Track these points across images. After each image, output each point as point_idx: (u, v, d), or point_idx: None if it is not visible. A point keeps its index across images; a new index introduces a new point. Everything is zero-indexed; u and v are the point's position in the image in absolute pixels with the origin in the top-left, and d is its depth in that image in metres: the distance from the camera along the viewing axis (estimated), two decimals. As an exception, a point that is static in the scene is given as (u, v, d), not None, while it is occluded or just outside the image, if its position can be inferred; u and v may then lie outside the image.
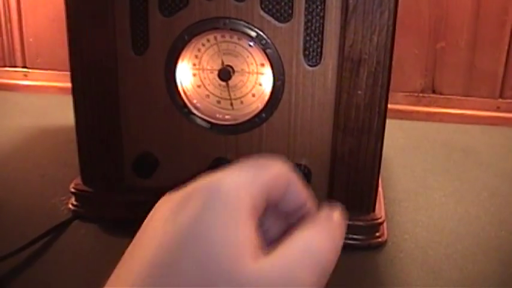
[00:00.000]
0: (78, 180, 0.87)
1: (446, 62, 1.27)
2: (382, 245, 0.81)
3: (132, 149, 0.83)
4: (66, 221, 0.85)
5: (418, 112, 1.29)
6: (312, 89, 0.75)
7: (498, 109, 1.29)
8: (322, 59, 0.73)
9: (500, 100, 1.29)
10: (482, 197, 0.95)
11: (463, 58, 1.27)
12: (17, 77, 1.42)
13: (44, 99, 1.33)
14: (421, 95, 1.30)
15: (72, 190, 0.86)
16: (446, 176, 1.02)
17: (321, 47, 0.73)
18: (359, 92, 0.73)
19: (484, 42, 1.24)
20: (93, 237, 0.82)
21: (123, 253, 0.33)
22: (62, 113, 1.22)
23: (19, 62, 1.42)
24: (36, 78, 1.41)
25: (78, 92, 0.81)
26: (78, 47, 0.78)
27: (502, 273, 0.76)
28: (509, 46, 1.25)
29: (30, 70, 1.41)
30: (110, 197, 0.85)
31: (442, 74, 1.28)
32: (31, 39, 1.39)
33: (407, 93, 1.30)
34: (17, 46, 1.41)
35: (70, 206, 0.87)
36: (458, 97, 1.29)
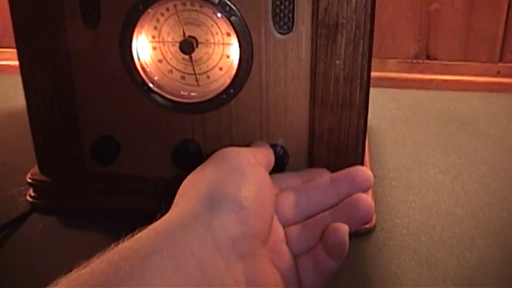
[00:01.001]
0: (35, 169, 0.79)
1: (441, 24, 1.18)
2: (369, 231, 0.73)
3: (90, 133, 0.75)
4: (22, 215, 0.77)
5: (411, 80, 1.20)
6: (285, 59, 0.66)
7: (498, 74, 1.20)
8: (294, 26, 0.64)
9: (500, 64, 1.20)
10: (481, 172, 0.87)
11: (459, 20, 1.17)
12: (-17, 56, 1.34)
13: (12, 80, 1.24)
14: (414, 61, 1.21)
15: (29, 180, 0.78)
16: (442, 149, 0.94)
17: (293, 12, 0.64)
18: (337, 61, 0.64)
19: (481, 1, 1.15)
20: (52, 231, 0.75)
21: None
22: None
23: (-15, 40, 1.34)
24: (4, 58, 1.33)
25: (26, 72, 0.72)
26: (21, 20, 0.69)
27: (502, 261, 0.68)
28: (509, 5, 1.16)
29: (-4, 49, 1.34)
30: (69, 186, 0.77)
31: (437, 38, 1.19)
32: (-3, 16, 1.31)
33: (400, 60, 1.21)
34: (-17, 24, 1.33)
35: (28, 197, 0.79)
36: (455, 62, 1.20)
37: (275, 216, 0.54)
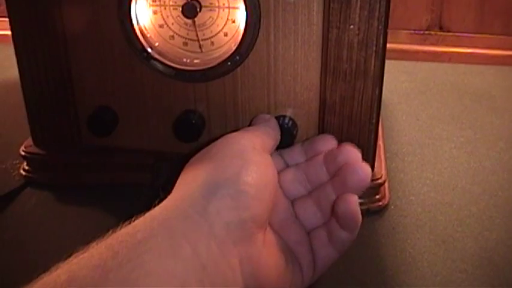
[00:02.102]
0: (29, 141, 0.75)
1: (455, -5, 1.14)
2: (383, 209, 0.69)
3: (86, 103, 0.70)
4: (15, 189, 0.74)
5: (423, 52, 1.16)
6: (294, 24, 0.61)
7: (513, 47, 1.16)
8: (306, -13, 0.60)
9: (515, 37, 1.15)
10: (498, 148, 0.82)
11: (473, -10, 1.13)
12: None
13: (8, 50, 1.20)
14: (427, 32, 1.16)
15: (23, 153, 0.75)
16: (457, 124, 0.89)
17: (304, -28, 0.59)
18: (351, 26, 0.59)
19: (498, -29, 1.11)
20: (45, 206, 0.71)
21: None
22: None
23: (-19, 9, 1.29)
24: (0, 27, 1.28)
25: (19, 40, 0.68)
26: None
27: (525, 241, 0.64)
28: (526, -24, 1.11)
29: (-10, 18, 1.29)
30: (64, 159, 0.73)
31: (450, 9, 1.14)
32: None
33: (412, 31, 1.16)
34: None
35: (21, 171, 0.76)
36: (469, 34, 1.15)
37: (281, 192, 0.55)
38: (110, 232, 0.41)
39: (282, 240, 0.52)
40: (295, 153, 0.59)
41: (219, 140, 0.51)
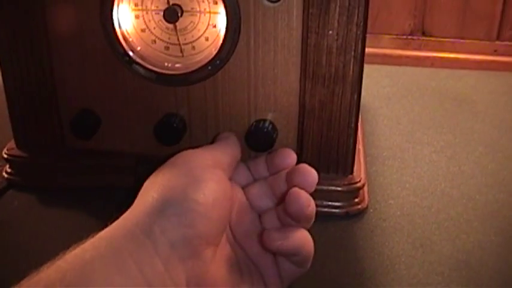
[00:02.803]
0: (12, 144, 0.75)
1: (438, 0, 1.15)
2: (362, 212, 0.69)
3: (69, 106, 0.71)
4: (-2, 191, 0.74)
5: (406, 56, 1.17)
6: (274, 29, 0.62)
7: (495, 52, 1.17)
8: (285, -7, 0.60)
9: (497, 42, 1.17)
10: (478, 152, 0.83)
11: (456, -4, 1.14)
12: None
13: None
14: (409, 37, 1.18)
15: (5, 156, 0.75)
16: (437, 128, 0.90)
17: (283, -22, 0.60)
18: (330, 31, 0.60)
19: (480, -23, 1.12)
20: (27, 209, 0.71)
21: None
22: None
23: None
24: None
25: (2, 43, 0.68)
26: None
27: (500, 244, 0.65)
28: (507, -18, 1.13)
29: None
30: (47, 162, 0.74)
31: (433, 14, 1.16)
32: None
33: (395, 36, 1.18)
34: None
35: (4, 173, 0.76)
36: (451, 39, 1.17)
37: (248, 205, 0.56)
38: (60, 254, 0.42)
39: (241, 253, 0.53)
40: (260, 167, 0.59)
41: (172, 158, 0.52)
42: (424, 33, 1.17)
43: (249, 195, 0.56)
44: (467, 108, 0.97)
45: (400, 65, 1.15)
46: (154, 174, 0.51)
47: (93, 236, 0.44)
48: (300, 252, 0.50)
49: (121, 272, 0.40)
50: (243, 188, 0.57)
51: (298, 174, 0.53)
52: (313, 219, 0.52)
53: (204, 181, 0.48)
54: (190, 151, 0.53)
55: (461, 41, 1.16)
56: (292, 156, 0.57)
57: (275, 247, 0.49)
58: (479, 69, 1.14)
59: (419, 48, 1.18)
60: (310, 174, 0.53)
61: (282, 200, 0.54)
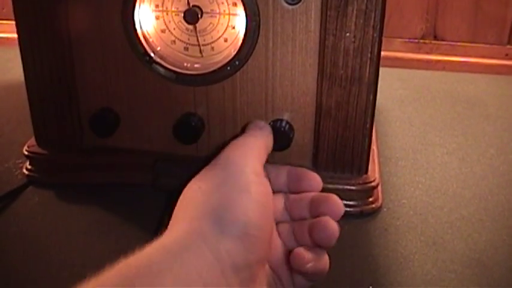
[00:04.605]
0: (32, 141, 0.77)
1: (450, 4, 1.15)
2: (376, 211, 0.71)
3: (89, 104, 0.72)
4: (18, 188, 0.75)
5: (418, 60, 1.18)
6: (293, 31, 0.63)
7: (506, 56, 1.17)
8: (304, -4, 0.62)
9: (508, 47, 1.17)
10: (489, 154, 0.85)
11: (467, 0, 1.15)
12: (-18, 28, 1.32)
13: (11, 52, 1.22)
14: (421, 41, 1.18)
15: (26, 153, 0.76)
16: (449, 131, 0.91)
17: (302, -19, 0.61)
18: (347, 34, 0.62)
19: (492, -18, 1.13)
20: (47, 205, 0.72)
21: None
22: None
23: (-16, 12, 1.31)
24: (3, 30, 1.30)
25: (24, 42, 0.70)
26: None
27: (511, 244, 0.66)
28: (519, -13, 1.13)
29: (-5, 21, 1.31)
30: (67, 159, 0.75)
31: (445, 18, 1.16)
32: (-5, -13, 1.28)
33: (407, 40, 1.18)
34: (-19, -4, 1.30)
35: (24, 170, 0.77)
36: (463, 43, 1.17)
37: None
38: (121, 260, 0.41)
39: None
40: (280, 179, 0.57)
41: (222, 162, 0.51)
42: (435, 37, 1.18)
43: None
44: (479, 111, 0.98)
45: (412, 68, 1.16)
46: (201, 179, 0.50)
47: (152, 242, 0.43)
48: (322, 273, 0.51)
49: (188, 285, 0.40)
50: None
51: (327, 204, 0.53)
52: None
53: (261, 199, 0.47)
54: (239, 156, 0.52)
55: (473, 45, 1.17)
56: (318, 182, 0.56)
57: (305, 269, 0.49)
58: (490, 73, 1.15)
59: (430, 52, 1.19)
60: (339, 206, 0.53)
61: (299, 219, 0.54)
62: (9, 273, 0.62)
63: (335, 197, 0.53)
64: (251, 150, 0.53)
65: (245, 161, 0.51)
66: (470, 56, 1.17)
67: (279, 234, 0.54)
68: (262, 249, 0.47)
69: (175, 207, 0.49)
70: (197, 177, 0.50)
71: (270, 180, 0.55)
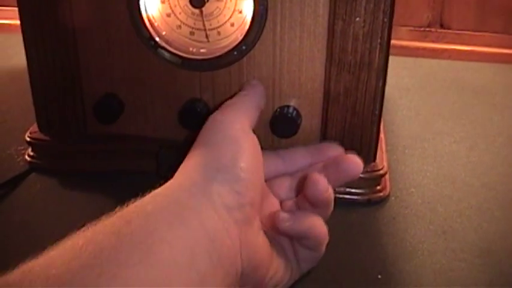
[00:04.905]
0: (34, 127, 0.76)
1: (456, -8, 1.14)
2: (384, 200, 0.70)
3: (92, 90, 0.71)
4: (20, 175, 0.74)
5: (424, 48, 1.17)
6: (301, 15, 0.62)
7: (513, 45, 1.16)
8: (313, -21, 0.61)
9: (515, 36, 1.16)
10: (497, 143, 0.84)
11: (474, -11, 1.14)
12: (-17, 14, 1.31)
13: (13, 38, 1.21)
14: (427, 29, 1.17)
15: (28, 139, 0.75)
16: (457, 119, 0.90)
17: (311, -36, 0.60)
18: (357, 19, 0.60)
19: (499, -31, 1.12)
20: (50, 192, 0.72)
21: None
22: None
23: (-15, -2, 1.30)
24: (5, 16, 1.29)
25: (27, 27, 0.69)
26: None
27: (523, 232, 0.65)
28: (526, -25, 1.12)
29: (-2, 7, 1.30)
30: (69, 146, 0.74)
31: (452, 7, 1.15)
32: (-3, -27, 1.27)
33: (413, 28, 1.17)
34: (-17, -19, 1.29)
35: (26, 157, 0.76)
36: (469, 32, 1.16)
37: (271, 193, 0.57)
38: (118, 208, 0.43)
39: (269, 233, 0.53)
40: (298, 156, 0.60)
41: (211, 123, 0.53)
42: (442, 26, 1.17)
43: (276, 186, 0.58)
44: (485, 100, 0.97)
45: (418, 56, 1.15)
46: (195, 145, 0.52)
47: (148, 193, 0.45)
48: (308, 235, 0.51)
49: (183, 223, 0.42)
50: (271, 179, 0.59)
51: (346, 160, 0.55)
52: (330, 207, 0.53)
53: (248, 149, 0.49)
54: (226, 116, 0.53)
55: (479, 33, 1.16)
56: (339, 150, 0.60)
57: (283, 228, 0.50)
58: (497, 62, 1.14)
59: (437, 41, 1.17)
60: (357, 162, 0.55)
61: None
62: (10, 261, 0.60)
63: (353, 156, 0.56)
64: (238, 109, 0.55)
65: (232, 119, 0.52)
66: (476, 44, 1.16)
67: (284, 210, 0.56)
68: (254, 193, 0.48)
69: None
70: (195, 141, 0.52)
71: (285, 161, 0.60)
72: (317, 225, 0.52)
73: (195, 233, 0.42)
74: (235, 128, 0.51)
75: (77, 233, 0.41)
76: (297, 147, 0.62)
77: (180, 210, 0.43)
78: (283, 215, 0.50)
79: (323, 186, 0.50)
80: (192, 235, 0.41)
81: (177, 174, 0.49)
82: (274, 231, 0.52)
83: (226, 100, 0.66)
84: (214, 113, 0.54)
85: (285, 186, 0.58)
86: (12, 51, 1.15)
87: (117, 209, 0.43)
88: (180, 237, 0.41)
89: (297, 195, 0.57)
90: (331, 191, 0.52)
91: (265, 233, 0.52)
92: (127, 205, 0.44)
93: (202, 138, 0.52)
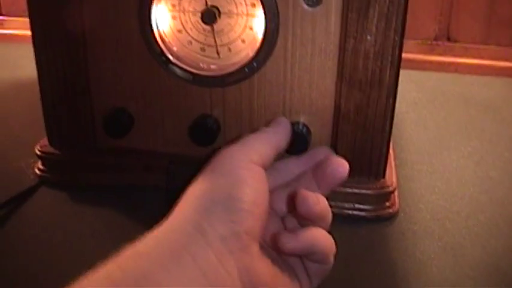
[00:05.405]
0: (44, 141, 0.76)
1: (463, 6, 1.15)
2: (393, 216, 0.70)
3: (103, 105, 0.72)
4: (30, 188, 0.75)
5: (431, 62, 1.17)
6: (312, 33, 0.63)
7: (519, 59, 1.17)
8: (324, -3, 0.61)
9: (522, 49, 1.17)
10: (504, 158, 0.84)
11: (481, 2, 1.14)
12: (-9, 25, 1.32)
13: (21, 49, 1.22)
14: (434, 42, 1.18)
15: (38, 153, 0.76)
16: (464, 134, 0.91)
17: (323, -17, 0.61)
18: (368, 37, 0.61)
19: (505, -16, 1.12)
20: (60, 205, 0.72)
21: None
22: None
23: (-6, 9, 1.31)
24: (13, 27, 1.29)
25: (38, 42, 0.70)
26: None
27: (532, 250, 0.65)
28: (533, -11, 1.13)
29: (6, 18, 1.30)
30: (79, 160, 0.75)
31: (458, 20, 1.16)
32: (5, -16, 1.28)
33: (420, 41, 1.18)
34: (-9, -8, 1.30)
35: (36, 170, 0.77)
36: (476, 45, 1.17)
37: (272, 211, 0.56)
38: (114, 254, 0.44)
39: (274, 252, 0.53)
40: (292, 166, 0.60)
41: (217, 155, 0.52)
42: (449, 39, 1.17)
43: (274, 202, 0.57)
44: (493, 115, 0.98)
45: (425, 69, 1.15)
46: (195, 179, 0.52)
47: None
48: (314, 250, 0.51)
49: (177, 262, 0.42)
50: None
51: (330, 164, 0.55)
52: (328, 217, 0.53)
53: (245, 180, 0.49)
54: (226, 150, 0.53)
55: (486, 47, 1.17)
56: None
57: (287, 249, 0.50)
58: (504, 76, 1.14)
59: (444, 54, 1.18)
60: (342, 164, 0.55)
61: None
62: (19, 274, 0.61)
63: (336, 157, 0.56)
64: (247, 145, 0.54)
65: (237, 153, 0.52)
66: (483, 58, 1.17)
67: (287, 226, 0.56)
68: (251, 221, 0.47)
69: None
70: (196, 177, 0.52)
71: (280, 172, 0.59)
72: (321, 238, 0.51)
73: (188, 272, 0.43)
74: (238, 160, 0.51)
75: (74, 284, 0.42)
76: (287, 158, 0.61)
77: (173, 249, 0.43)
78: (285, 237, 0.50)
79: (312, 201, 0.50)
80: (186, 274, 0.42)
81: (175, 208, 0.49)
82: (280, 253, 0.52)
83: (236, 116, 0.67)
84: (223, 147, 0.54)
85: (282, 198, 0.57)
86: (21, 62, 1.16)
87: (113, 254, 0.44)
88: (173, 278, 0.42)
89: (289, 211, 0.57)
90: (322, 202, 0.51)
91: (271, 252, 0.52)
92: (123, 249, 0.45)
93: (205, 171, 0.52)
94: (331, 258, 0.53)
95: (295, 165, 0.60)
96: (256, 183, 0.50)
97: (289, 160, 0.60)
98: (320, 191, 0.55)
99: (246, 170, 0.50)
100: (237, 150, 0.52)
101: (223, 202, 0.47)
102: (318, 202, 0.50)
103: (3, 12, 1.30)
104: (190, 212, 0.47)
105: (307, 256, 0.52)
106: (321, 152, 0.60)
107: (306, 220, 0.52)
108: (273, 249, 0.53)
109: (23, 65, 1.14)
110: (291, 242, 0.49)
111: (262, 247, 0.51)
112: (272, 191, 0.57)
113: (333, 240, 0.52)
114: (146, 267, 0.41)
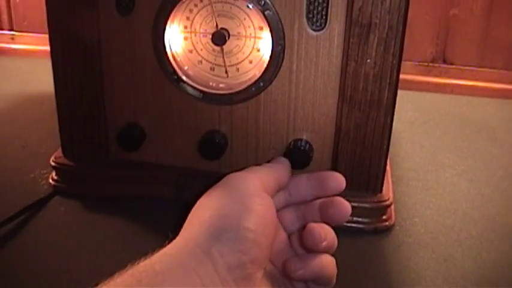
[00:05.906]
0: (59, 152, 0.80)
1: (459, 30, 1.19)
2: (389, 229, 0.74)
3: (116, 119, 0.75)
4: (45, 197, 0.78)
5: (427, 83, 1.21)
6: (316, 56, 0.67)
7: (513, 81, 1.21)
8: (328, 23, 0.65)
9: (515, 72, 1.21)
10: (497, 176, 0.88)
11: (477, 26, 1.19)
12: (3, 40, 1.35)
13: (31, 64, 1.26)
14: (431, 64, 1.22)
15: (53, 164, 0.79)
16: (458, 152, 0.95)
17: (327, 9, 0.65)
18: (368, 60, 0.65)
19: (500, 9, 1.16)
20: (73, 214, 0.75)
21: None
22: (50, 78, 1.14)
23: (5, 25, 1.34)
24: (24, 42, 1.33)
25: (56, 57, 0.73)
26: (55, 5, 0.70)
27: (520, 263, 0.69)
28: (527, 14, 1.17)
29: (17, 33, 1.34)
30: (92, 171, 0.78)
31: (454, 43, 1.20)
32: (18, 0, 1.31)
33: (417, 63, 1.22)
34: (3, 8, 1.33)
35: (50, 180, 0.80)
36: (471, 68, 1.21)
37: (281, 227, 0.59)
38: (129, 265, 0.46)
39: (276, 271, 0.56)
40: (301, 187, 0.60)
41: (224, 181, 0.54)
42: (445, 61, 1.21)
43: (282, 218, 0.59)
44: (486, 135, 1.02)
45: (421, 90, 1.19)
46: (206, 195, 0.54)
47: (157, 251, 0.47)
48: (321, 276, 0.53)
49: (187, 283, 0.44)
50: (278, 210, 0.59)
51: (333, 206, 0.56)
52: (334, 248, 0.55)
53: (255, 210, 0.50)
54: (240, 175, 0.55)
55: (481, 69, 1.20)
56: (341, 180, 0.59)
57: (297, 277, 0.52)
58: (498, 97, 1.18)
59: (440, 75, 1.22)
60: (345, 206, 0.56)
61: None
62: (34, 283, 0.64)
63: (340, 199, 0.57)
64: (255, 174, 0.56)
65: (246, 180, 0.54)
66: (478, 80, 1.20)
67: (293, 245, 0.57)
68: (259, 251, 0.49)
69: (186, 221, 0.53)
70: (205, 193, 0.54)
71: (290, 193, 0.60)
72: (328, 265, 0.54)
73: None
74: (245, 187, 0.53)
75: None
76: (299, 176, 0.61)
77: (184, 270, 0.45)
78: (294, 265, 0.52)
79: (319, 237, 0.53)
80: None
81: (184, 230, 0.51)
82: (288, 279, 0.55)
83: (243, 133, 0.71)
84: (232, 173, 0.56)
85: (290, 218, 0.59)
86: (30, 76, 1.20)
87: (128, 266, 0.46)
88: None
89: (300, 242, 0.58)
90: (329, 235, 0.54)
91: (274, 273, 0.55)
92: (138, 263, 0.46)
93: (214, 192, 0.53)
94: (334, 281, 0.55)
95: (304, 187, 0.60)
96: (265, 211, 0.52)
97: (299, 181, 0.60)
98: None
99: (255, 197, 0.52)
100: (248, 177, 0.54)
101: (232, 231, 0.48)
102: (325, 238, 0.53)
103: (15, 28, 1.34)
104: (200, 237, 0.48)
105: (313, 280, 0.54)
106: (328, 180, 0.60)
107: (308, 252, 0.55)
108: (280, 274, 0.55)
109: (32, 80, 1.18)
110: (301, 270, 0.52)
111: (265, 270, 0.54)
112: (281, 209, 0.60)
113: (335, 263, 0.55)
114: (161, 283, 0.43)
